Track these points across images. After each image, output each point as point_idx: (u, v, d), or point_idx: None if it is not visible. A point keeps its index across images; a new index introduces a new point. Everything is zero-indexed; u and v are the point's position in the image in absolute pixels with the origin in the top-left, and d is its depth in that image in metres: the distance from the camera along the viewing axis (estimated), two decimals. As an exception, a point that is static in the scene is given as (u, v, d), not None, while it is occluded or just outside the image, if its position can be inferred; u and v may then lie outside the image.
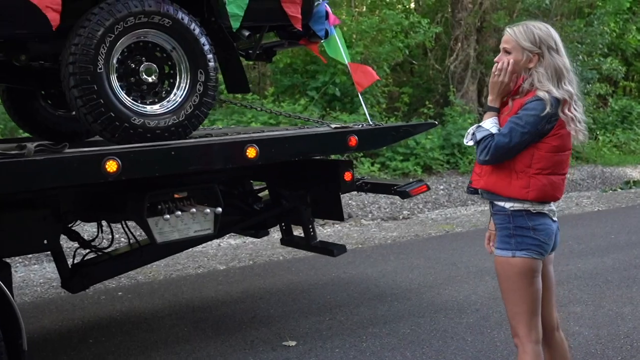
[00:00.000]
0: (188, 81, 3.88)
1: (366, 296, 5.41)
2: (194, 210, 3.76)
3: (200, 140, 3.75)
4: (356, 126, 4.45)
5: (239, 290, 5.67)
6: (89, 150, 3.35)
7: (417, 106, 14.59)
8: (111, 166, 3.27)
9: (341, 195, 4.74)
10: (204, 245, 7.38)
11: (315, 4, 4.58)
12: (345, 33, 12.94)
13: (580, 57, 14.18)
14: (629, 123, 16.32)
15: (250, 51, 4.86)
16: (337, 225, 8.97)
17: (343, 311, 5.02)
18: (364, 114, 12.46)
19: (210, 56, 3.92)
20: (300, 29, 4.34)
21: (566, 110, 2.75)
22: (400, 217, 9.68)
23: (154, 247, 4.10)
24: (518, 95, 2.87)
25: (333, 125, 4.38)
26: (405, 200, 10.66)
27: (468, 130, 2.95)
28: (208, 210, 3.81)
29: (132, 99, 3.73)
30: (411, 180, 5.12)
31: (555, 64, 2.77)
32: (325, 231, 8.56)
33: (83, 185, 3.71)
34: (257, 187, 5.13)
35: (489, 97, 2.95)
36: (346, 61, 4.85)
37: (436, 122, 5.03)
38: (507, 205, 2.85)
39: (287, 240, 5.24)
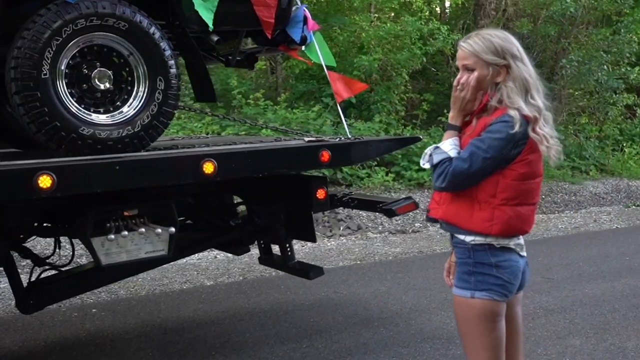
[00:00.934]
0: (146, 89, 3.54)
1: (352, 320, 5.01)
2: (142, 230, 3.41)
3: (151, 154, 3.41)
4: (333, 140, 4.07)
5: (219, 310, 5.31)
6: (21, 163, 3.03)
7: (438, 114, 14.13)
8: (44, 182, 2.94)
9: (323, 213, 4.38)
10: (198, 257, 7.09)
11: (293, 8, 4.22)
12: (364, 39, 12.58)
13: (606, 66, 13.55)
14: (657, 135, 15.62)
15: (230, 57, 4.53)
16: (342, 238, 8.59)
17: (323, 337, 4.63)
18: (381, 121, 12.24)
19: (171, 62, 3.58)
20: (269, 36, 3.98)
21: (537, 129, 2.39)
22: (410, 230, 9.25)
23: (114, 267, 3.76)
24: (484, 113, 2.50)
25: (307, 139, 4.00)
26: (414, 212, 10.31)
27: (425, 151, 2.58)
28: (160, 230, 3.45)
29: (83, 108, 3.40)
30: (403, 196, 4.70)
31: (522, 75, 2.43)
32: (329, 244, 8.17)
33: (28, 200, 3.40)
34: (237, 201, 4.78)
35: (450, 114, 2.58)
36: (325, 69, 4.46)
37: (420, 137, 4.63)
38: (468, 238, 2.49)
39: (265, 259, 4.88)
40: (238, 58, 4.76)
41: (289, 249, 4.52)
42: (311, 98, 12.64)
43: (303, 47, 4.33)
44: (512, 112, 2.37)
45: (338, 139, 4.13)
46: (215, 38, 3.92)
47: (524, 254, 2.57)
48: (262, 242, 4.80)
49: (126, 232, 3.35)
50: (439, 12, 17.08)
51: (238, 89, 11.38)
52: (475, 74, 2.45)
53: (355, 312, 5.20)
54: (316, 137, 4.15)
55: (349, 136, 4.23)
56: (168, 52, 3.55)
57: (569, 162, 13.34)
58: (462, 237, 2.50)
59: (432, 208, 2.63)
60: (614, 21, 14.84)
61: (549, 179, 12.43)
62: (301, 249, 7.94)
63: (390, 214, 4.49)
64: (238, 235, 4.56)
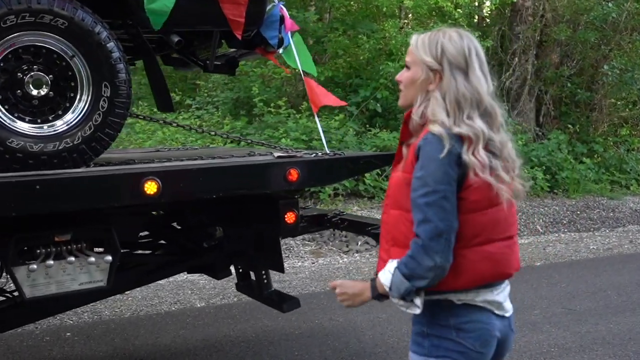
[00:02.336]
0: (89, 96, 3.09)
1: (341, 354, 4.48)
2: (72, 258, 2.94)
3: (81, 172, 2.95)
4: (308, 155, 3.55)
5: (200, 338, 4.83)
6: None
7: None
8: (-54, 203, 2.52)
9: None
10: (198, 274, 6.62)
11: (270, 6, 3.72)
12: (392, 46, 12.01)
13: (649, 75, 12.72)
14: None
15: (208, 62, 4.07)
16: (356, 255, 8.04)
17: (303, 374, 4.11)
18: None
19: (120, 66, 3.11)
20: (239, 37, 3.49)
21: (475, 154, 1.88)
22: (430, 247, 8.63)
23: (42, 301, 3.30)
24: (413, 138, 2.00)
25: (276, 154, 3.48)
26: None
27: (399, 307, 1.96)
28: (93, 259, 2.98)
29: (13, 116, 2.97)
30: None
31: (457, 89, 1.93)
32: (340, 261, 7.64)
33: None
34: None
35: (364, 300, 2.05)
36: (302, 74, 3.94)
37: None
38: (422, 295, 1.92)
39: (242, 286, 4.36)
40: (217, 63, 4.32)
41: (264, 277, 4.01)
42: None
43: (280, 51, 3.83)
44: (435, 128, 1.89)
45: (313, 154, 3.61)
46: (176, 39, 3.45)
47: (505, 313, 2.02)
48: (239, 267, 4.31)
49: (51, 262, 2.89)
50: (475, 18, 16.39)
51: (259, 97, 10.94)
52: (410, 73, 2.02)
53: (346, 345, 4.66)
54: (288, 152, 3.64)
55: (327, 151, 3.70)
56: (116, 55, 3.09)
57: (609, 176, 12.52)
58: None
59: (379, 267, 2.02)
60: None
61: (585, 194, 11.66)
62: (310, 266, 7.44)
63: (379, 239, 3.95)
64: (211, 259, 4.07)
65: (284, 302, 3.97)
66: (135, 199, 2.90)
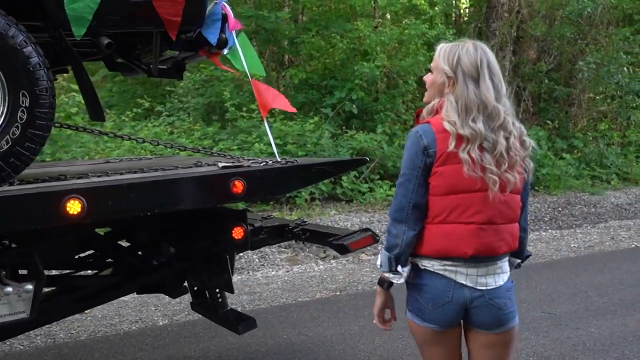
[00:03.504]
0: (4, 107, 2.77)
1: (306, 373, 4.17)
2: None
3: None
4: (256, 165, 3.24)
5: (158, 359, 4.51)
6: None
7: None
8: None
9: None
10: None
11: (212, 4, 3.41)
12: (367, 45, 11.71)
13: (627, 68, 12.48)
14: (685, 140, 14.43)
15: (152, 66, 3.76)
16: (332, 262, 7.73)
17: (264, 398, 3.80)
18: (384, 132, 11.35)
19: (40, 73, 2.79)
20: (174, 37, 3.18)
21: (465, 152, 2.23)
22: (408, 250, 8.34)
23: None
24: None
25: (221, 164, 3.17)
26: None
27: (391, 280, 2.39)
28: (10, 289, 2.66)
29: None
30: (357, 229, 3.85)
31: (467, 98, 2.28)
32: (316, 269, 7.33)
33: None
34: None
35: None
36: (249, 76, 3.63)
37: (367, 159, 3.77)
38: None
39: (197, 305, 4.04)
40: (163, 67, 4.01)
41: (219, 295, 3.69)
42: (311, 109, 11.81)
43: (225, 51, 3.52)
44: (419, 125, 2.34)
45: (263, 163, 3.30)
46: (106, 41, 3.13)
47: (474, 285, 2.31)
48: (193, 285, 3.99)
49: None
50: (453, 16, 16.15)
51: (231, 101, 10.62)
52: (432, 76, 2.42)
53: (313, 362, 4.36)
54: (234, 162, 3.32)
55: (278, 159, 3.39)
56: (35, 61, 2.77)
57: (589, 171, 12.30)
58: None
59: None
60: (636, 20, 13.76)
61: (566, 190, 11.43)
62: (284, 275, 7.12)
63: (342, 250, 3.68)
64: (159, 277, 3.74)
65: (240, 322, 3.66)
66: (56, 221, 2.58)
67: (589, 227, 9.62)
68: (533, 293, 5.75)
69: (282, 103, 3.71)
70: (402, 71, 11.83)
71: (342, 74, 11.86)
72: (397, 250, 2.28)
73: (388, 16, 13.88)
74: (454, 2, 13.55)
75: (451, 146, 2.22)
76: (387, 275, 2.34)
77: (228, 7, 3.44)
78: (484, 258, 2.29)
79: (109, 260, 3.75)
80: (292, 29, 12.24)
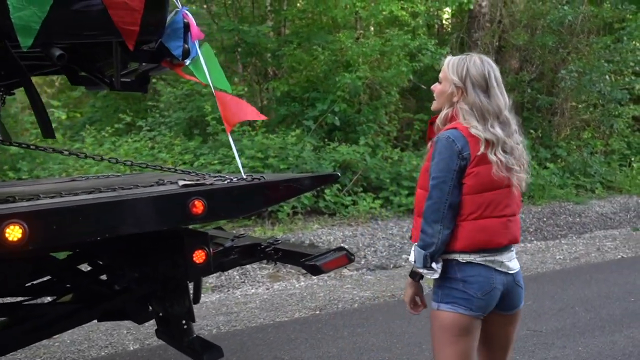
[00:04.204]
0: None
1: (281, 401, 3.92)
2: None
3: None
4: (221, 183, 3.00)
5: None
6: None
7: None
8: None
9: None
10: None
11: (172, 12, 3.19)
12: (349, 57, 11.51)
13: (608, 76, 12.37)
14: (667, 148, 14.32)
15: (114, 79, 3.53)
16: (313, 278, 7.46)
17: None
18: (366, 143, 11.14)
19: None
20: (131, 48, 2.95)
21: (496, 153, 2.47)
22: (392, 265, 8.12)
23: None
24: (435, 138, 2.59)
25: (182, 182, 2.94)
26: (402, 242, 9.18)
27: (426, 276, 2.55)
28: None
29: None
30: (332, 248, 3.62)
31: (481, 105, 2.50)
32: (297, 286, 7.08)
33: None
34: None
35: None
36: (212, 88, 3.40)
37: (338, 174, 3.55)
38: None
39: (162, 332, 3.78)
40: (127, 80, 3.78)
41: (184, 322, 3.44)
42: (293, 122, 11.59)
43: (187, 62, 3.29)
44: (448, 130, 2.50)
45: (227, 180, 3.07)
46: (57, 53, 2.89)
47: (508, 270, 2.54)
48: (158, 311, 3.73)
49: None
50: (435, 27, 16.01)
51: (212, 115, 10.38)
52: (441, 86, 2.61)
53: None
54: (199, 179, 3.09)
55: (244, 176, 3.15)
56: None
57: (573, 180, 12.14)
58: None
59: (413, 234, 2.64)
60: (616, 29, 13.68)
61: (551, 200, 11.26)
62: (264, 293, 6.87)
63: (315, 271, 3.48)
64: (120, 303, 3.48)
65: (205, 351, 3.39)
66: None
67: (574, 238, 9.44)
68: (518, 308, 5.52)
69: (250, 113, 3.47)
70: (384, 82, 11.65)
71: (324, 86, 11.66)
72: (432, 248, 2.44)
73: (372, 29, 13.73)
74: (436, 13, 13.38)
75: (482, 149, 2.43)
76: (421, 271, 2.50)
77: (190, 16, 3.21)
78: (509, 246, 2.54)
79: (67, 285, 3.49)
80: (274, 41, 12.02)
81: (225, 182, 3.01)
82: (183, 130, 11.05)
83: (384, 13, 11.67)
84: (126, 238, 2.88)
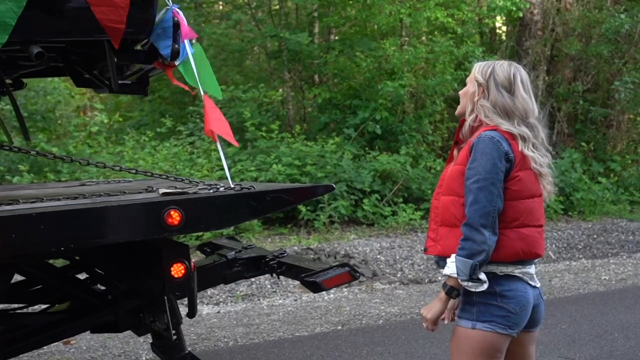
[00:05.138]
0: None
1: None
2: None
3: None
4: (205, 192, 2.78)
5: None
6: None
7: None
8: None
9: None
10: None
11: (162, 10, 2.99)
12: (393, 64, 11.20)
13: (666, 88, 11.70)
14: None
15: (107, 81, 3.38)
16: (345, 290, 7.20)
17: None
18: (407, 153, 10.77)
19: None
20: (117, 47, 2.76)
21: (527, 149, 2.35)
22: (427, 279, 7.77)
23: None
24: (464, 144, 2.49)
25: (163, 190, 2.73)
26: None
27: (469, 289, 2.31)
28: None
29: None
30: (336, 263, 3.37)
31: (505, 103, 2.40)
32: (326, 298, 6.82)
33: None
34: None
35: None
36: (202, 92, 3.17)
37: (333, 186, 3.27)
38: None
39: (155, 345, 3.56)
40: (126, 82, 3.61)
41: (175, 336, 3.23)
42: (334, 129, 11.35)
43: (177, 64, 3.09)
44: (489, 131, 2.35)
45: (212, 189, 2.84)
46: (36, 50, 2.72)
47: (536, 284, 2.42)
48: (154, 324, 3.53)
49: None
50: (489, 34, 15.52)
51: (251, 121, 10.24)
52: (466, 87, 2.52)
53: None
54: (180, 187, 2.87)
55: (232, 185, 2.92)
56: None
57: (628, 196, 11.51)
58: None
59: (429, 246, 2.48)
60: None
61: (602, 215, 10.69)
62: (292, 304, 6.63)
63: (314, 288, 3.25)
64: (110, 315, 3.29)
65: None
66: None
67: (624, 257, 8.87)
68: (552, 333, 5.12)
69: (224, 130, 3.21)
70: (429, 91, 11.31)
71: (366, 93, 11.40)
72: (482, 256, 2.24)
73: (424, 38, 13.38)
74: (485, 21, 12.93)
75: (520, 146, 2.32)
76: (465, 283, 2.27)
77: (181, 14, 3.01)
78: (534, 258, 2.40)
79: (56, 295, 3.32)
80: (317, 48, 11.82)
81: (210, 190, 2.79)
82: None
83: (429, 20, 11.32)
84: (106, 247, 2.69)
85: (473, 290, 2.28)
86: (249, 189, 2.83)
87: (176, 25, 2.95)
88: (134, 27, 2.84)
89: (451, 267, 2.29)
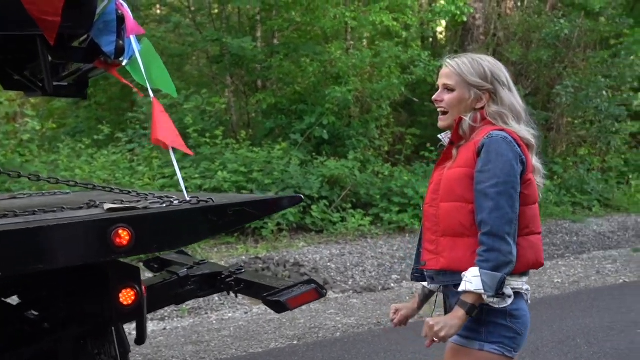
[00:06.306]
0: None
1: None
2: None
3: None
4: (157, 206, 2.45)
5: None
6: None
7: (424, 149, 12.50)
8: None
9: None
10: None
11: (104, 1, 2.64)
12: (339, 69, 10.98)
13: (605, 92, 11.87)
14: (666, 165, 13.83)
15: (41, 83, 3.00)
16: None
17: None
18: (355, 158, 10.57)
19: None
20: (52, 42, 2.41)
21: (534, 160, 2.20)
22: (380, 287, 7.55)
23: None
24: (462, 141, 2.21)
25: (108, 206, 2.39)
26: (394, 262, 8.62)
27: (492, 305, 2.07)
28: None
29: None
30: (303, 278, 3.09)
31: (511, 102, 2.18)
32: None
33: None
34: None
35: (461, 316, 2.07)
36: (151, 94, 2.84)
37: (301, 197, 3.00)
38: None
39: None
40: (62, 84, 3.23)
41: (123, 367, 2.87)
42: (280, 135, 11.06)
43: (124, 62, 2.74)
44: (498, 131, 2.13)
45: (165, 203, 2.51)
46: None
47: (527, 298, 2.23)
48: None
49: None
50: (430, 40, 15.56)
51: (193, 127, 9.84)
52: (455, 94, 2.22)
53: None
54: (128, 202, 2.53)
55: (186, 197, 2.59)
56: None
57: (570, 198, 11.63)
58: None
59: (428, 259, 2.21)
60: (613, 44, 13.23)
61: (547, 217, 10.74)
62: (242, 317, 6.29)
63: (279, 308, 2.96)
64: (50, 345, 2.90)
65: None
66: None
67: (572, 259, 8.88)
68: (514, 341, 4.96)
69: (172, 139, 2.87)
70: (375, 95, 11.15)
71: (312, 98, 11.15)
72: (509, 268, 2.02)
73: (365, 42, 13.25)
74: (428, 25, 12.90)
75: (531, 154, 2.17)
76: (491, 300, 2.03)
77: (125, 6, 2.67)
78: (538, 268, 2.22)
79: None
80: (260, 52, 11.50)
81: (164, 205, 2.46)
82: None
83: (374, 24, 11.18)
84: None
85: (497, 306, 2.07)
86: (206, 202, 2.51)
87: (120, 19, 2.61)
88: (71, 21, 2.48)
89: (475, 282, 2.01)
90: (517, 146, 2.10)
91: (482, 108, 2.20)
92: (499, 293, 2.01)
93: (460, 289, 2.06)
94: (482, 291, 2.00)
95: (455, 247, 2.11)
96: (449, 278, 2.17)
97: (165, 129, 2.76)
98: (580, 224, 10.48)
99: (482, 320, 2.09)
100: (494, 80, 2.19)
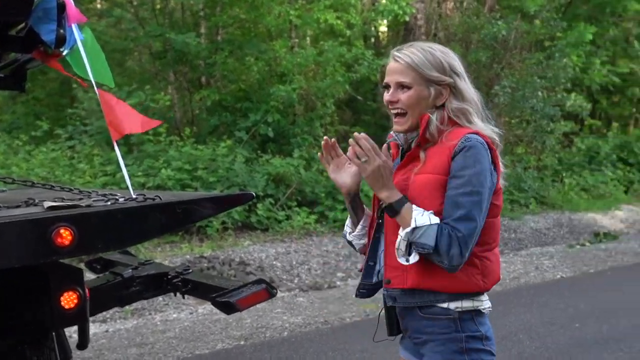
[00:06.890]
0: None
1: None
2: None
3: None
4: (100, 204, 2.30)
5: None
6: None
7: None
8: None
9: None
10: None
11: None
12: (284, 67, 10.87)
13: (540, 92, 12.15)
14: (596, 164, 14.26)
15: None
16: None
17: None
18: (301, 156, 10.49)
19: None
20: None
21: (501, 163, 1.98)
22: (326, 285, 7.48)
23: None
24: (429, 143, 1.94)
25: (48, 204, 2.23)
26: (340, 259, 8.58)
27: (399, 245, 1.86)
28: None
29: None
30: (250, 277, 3.00)
31: (472, 97, 1.96)
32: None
33: None
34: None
35: (382, 194, 1.89)
36: (95, 87, 2.69)
37: (253, 194, 2.90)
38: (453, 305, 1.92)
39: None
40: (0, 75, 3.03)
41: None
42: (225, 132, 10.87)
43: (64, 52, 2.57)
44: (473, 134, 1.89)
45: (110, 201, 2.36)
46: None
47: None
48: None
49: None
50: (372, 39, 15.62)
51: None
52: (413, 92, 1.93)
53: None
54: (70, 199, 2.37)
55: (132, 195, 2.45)
56: None
57: (508, 195, 11.82)
58: (444, 305, 1.91)
59: (393, 277, 1.96)
60: (547, 46, 13.55)
61: (486, 214, 10.88)
62: (188, 317, 6.11)
63: (229, 309, 2.86)
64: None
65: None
66: None
67: (511, 255, 9.04)
68: (460, 336, 4.98)
69: (143, 124, 2.74)
70: (320, 93, 11.09)
71: (257, 95, 11.01)
72: (435, 257, 1.82)
73: (308, 40, 13.18)
74: (371, 24, 12.93)
75: (500, 158, 1.97)
76: (400, 239, 1.85)
77: (66, -6, 2.50)
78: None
79: None
80: (204, 49, 11.28)
81: (108, 202, 2.31)
82: (105, 139, 10.17)
83: (318, 22, 11.12)
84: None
85: (398, 252, 1.86)
86: (153, 199, 2.38)
87: (61, 7, 2.45)
88: (8, 8, 2.31)
89: (422, 220, 1.80)
90: (490, 152, 1.90)
91: (444, 105, 1.95)
92: (408, 245, 1.83)
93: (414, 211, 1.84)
94: (413, 223, 1.81)
95: (427, 263, 1.86)
96: (417, 299, 1.94)
97: (129, 120, 2.60)
98: (517, 221, 10.67)
99: (463, 349, 1.91)
100: (452, 73, 1.94)
